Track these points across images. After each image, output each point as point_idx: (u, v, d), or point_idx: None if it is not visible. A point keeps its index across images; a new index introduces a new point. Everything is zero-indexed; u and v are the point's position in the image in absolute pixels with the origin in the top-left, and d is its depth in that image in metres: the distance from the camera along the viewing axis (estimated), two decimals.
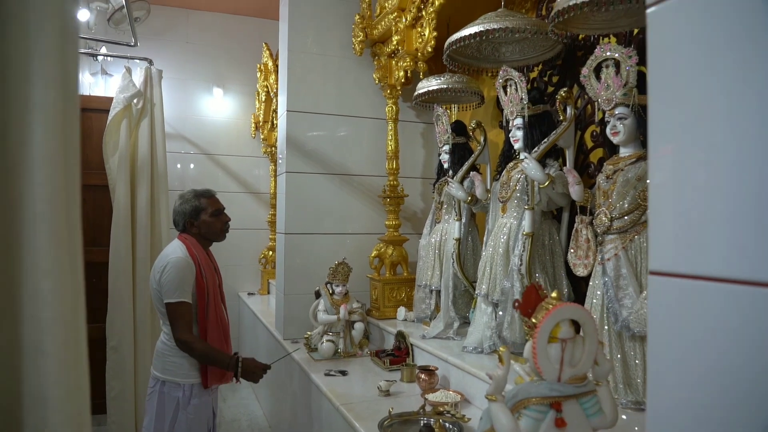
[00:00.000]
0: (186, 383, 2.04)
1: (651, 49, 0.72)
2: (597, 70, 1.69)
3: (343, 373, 2.40)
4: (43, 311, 0.50)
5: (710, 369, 0.63)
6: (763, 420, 0.56)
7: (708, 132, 0.64)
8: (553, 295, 1.19)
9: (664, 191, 0.70)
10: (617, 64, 1.63)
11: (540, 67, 2.44)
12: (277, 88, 3.78)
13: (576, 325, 1.20)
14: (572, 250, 1.84)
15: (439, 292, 2.60)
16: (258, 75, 4.66)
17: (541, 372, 1.15)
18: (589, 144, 2.17)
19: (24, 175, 0.48)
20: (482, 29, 1.97)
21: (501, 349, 1.19)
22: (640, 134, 1.68)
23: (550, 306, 1.16)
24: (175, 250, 2.05)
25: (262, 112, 4.60)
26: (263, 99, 4.52)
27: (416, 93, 2.67)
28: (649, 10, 0.71)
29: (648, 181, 0.73)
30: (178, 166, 5.00)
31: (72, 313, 0.53)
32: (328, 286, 2.78)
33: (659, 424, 0.70)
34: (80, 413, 0.53)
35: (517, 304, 1.22)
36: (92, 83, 4.51)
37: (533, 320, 1.17)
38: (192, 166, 5.09)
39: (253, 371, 2.12)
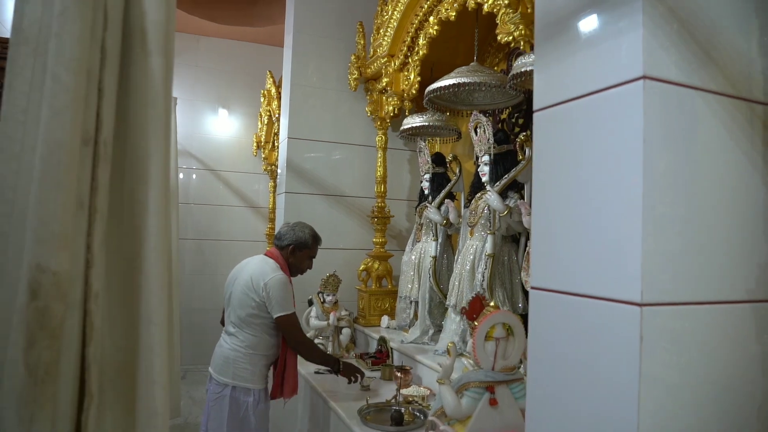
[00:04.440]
0: (255, 389, 2.26)
1: (536, 133, 1.09)
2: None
3: (330, 371, 2.74)
4: (153, 297, 0.86)
5: (566, 356, 0.99)
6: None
7: (569, 196, 1.00)
8: (491, 304, 1.55)
9: (541, 232, 1.06)
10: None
11: (509, 109, 2.83)
12: (278, 113, 4.16)
13: (510, 328, 1.56)
14: (524, 269, 2.20)
15: (417, 303, 2.96)
16: (261, 100, 5.05)
17: (479, 362, 1.51)
18: None
19: (146, 225, 0.85)
20: (455, 82, 2.35)
21: (449, 344, 1.54)
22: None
23: (488, 312, 1.52)
24: (274, 269, 2.28)
25: (264, 133, 4.97)
26: (265, 121, 4.89)
27: (402, 128, 3.04)
28: (535, 114, 1.09)
29: (532, 227, 1.09)
30: (181, 176, 5.34)
31: (167, 300, 0.89)
32: (320, 295, 3.14)
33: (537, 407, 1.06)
34: (171, 360, 0.88)
35: (464, 310, 1.58)
36: None
37: (475, 323, 1.53)
38: (194, 177, 5.45)
39: (353, 371, 2.37)
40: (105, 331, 0.82)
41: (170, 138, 0.94)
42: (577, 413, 0.94)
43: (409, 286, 3.01)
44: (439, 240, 2.87)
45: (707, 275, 0.89)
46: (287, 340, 2.30)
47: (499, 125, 2.91)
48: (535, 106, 1.07)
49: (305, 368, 2.80)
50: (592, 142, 0.92)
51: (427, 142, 3.09)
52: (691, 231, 0.88)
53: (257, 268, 2.30)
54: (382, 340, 2.90)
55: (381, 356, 2.86)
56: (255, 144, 5.38)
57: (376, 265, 3.37)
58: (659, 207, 0.84)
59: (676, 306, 0.85)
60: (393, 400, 2.16)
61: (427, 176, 2.97)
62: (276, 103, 4.50)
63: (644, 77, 0.84)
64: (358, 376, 2.40)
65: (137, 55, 0.86)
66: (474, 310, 1.56)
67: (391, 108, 3.24)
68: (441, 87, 2.40)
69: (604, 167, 0.90)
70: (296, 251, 2.42)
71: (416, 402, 2.15)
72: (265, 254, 2.43)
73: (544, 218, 1.05)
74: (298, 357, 2.38)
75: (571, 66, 0.97)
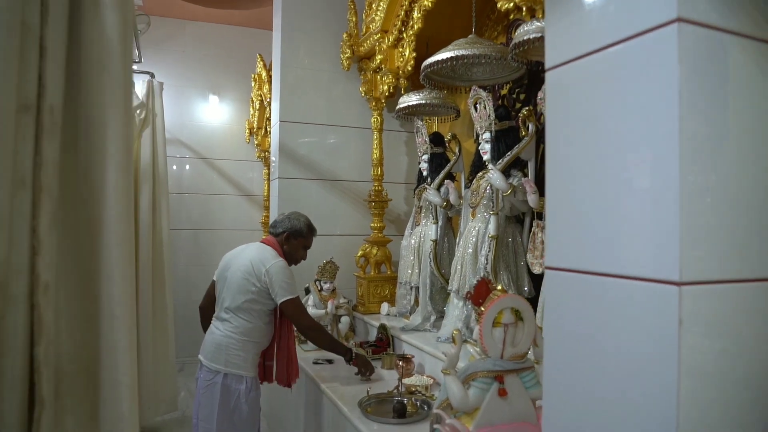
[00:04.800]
0: (248, 376, 2.19)
1: (549, 95, 0.97)
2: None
3: (330, 361, 2.65)
4: (114, 288, 0.75)
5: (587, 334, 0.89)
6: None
7: (590, 164, 0.89)
8: (498, 287, 1.45)
9: (557, 207, 0.95)
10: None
11: (510, 85, 2.70)
12: (270, 98, 4.02)
13: (518, 313, 1.45)
14: (530, 251, 2.09)
15: (418, 288, 2.85)
16: (252, 84, 4.90)
17: (487, 350, 1.41)
18: None
19: (103, 208, 0.73)
20: (453, 55, 2.22)
21: (454, 332, 1.44)
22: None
23: (495, 297, 1.42)
24: (274, 255, 2.24)
25: (256, 119, 4.83)
26: (257, 107, 4.75)
27: (398, 107, 2.91)
28: (547, 74, 0.97)
29: (547, 201, 0.98)
30: (174, 167, 5.20)
31: (131, 290, 0.78)
32: (317, 282, 3.03)
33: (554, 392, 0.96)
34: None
35: (468, 295, 1.47)
36: None
37: (481, 309, 1.43)
38: (187, 167, 5.31)
39: (366, 365, 2.37)
40: (61, 327, 0.71)
41: (130, 107, 0.82)
42: (602, 405, 0.83)
43: (409, 271, 2.91)
44: (440, 223, 2.76)
45: (751, 248, 0.78)
46: (296, 325, 2.27)
47: (500, 101, 2.79)
48: (547, 65, 0.95)
49: (303, 359, 2.70)
50: (617, 100, 0.80)
51: (424, 121, 2.97)
52: (732, 198, 0.77)
53: (257, 255, 2.25)
54: (383, 328, 2.80)
55: (381, 344, 2.76)
56: (247, 130, 5.24)
57: (374, 251, 3.26)
58: (697, 172, 0.73)
59: (718, 284, 0.74)
60: (395, 391, 2.06)
61: (425, 157, 2.84)
62: (267, 87, 4.36)
63: (679, 20, 0.72)
64: (368, 372, 2.37)
65: (87, 10, 0.74)
66: (480, 294, 1.45)
67: (386, 87, 3.11)
68: (438, 61, 2.28)
69: (631, 128, 0.78)
70: (291, 239, 2.36)
71: (419, 392, 2.06)
72: (262, 242, 2.36)
73: (560, 191, 0.93)
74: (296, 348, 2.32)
75: (591, 13, 0.85)
